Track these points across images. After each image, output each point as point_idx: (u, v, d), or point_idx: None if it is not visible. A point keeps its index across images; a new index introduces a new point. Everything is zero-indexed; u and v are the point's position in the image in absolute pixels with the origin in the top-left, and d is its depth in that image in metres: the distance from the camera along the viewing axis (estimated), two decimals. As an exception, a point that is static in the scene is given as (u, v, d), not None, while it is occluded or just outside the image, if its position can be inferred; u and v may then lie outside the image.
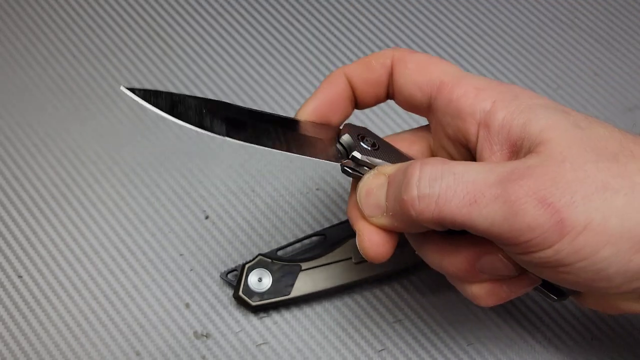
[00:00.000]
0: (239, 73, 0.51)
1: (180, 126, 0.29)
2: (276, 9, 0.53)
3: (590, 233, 0.23)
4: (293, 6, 0.53)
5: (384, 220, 0.28)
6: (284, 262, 0.41)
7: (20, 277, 0.43)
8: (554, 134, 0.25)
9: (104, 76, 0.50)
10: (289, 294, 0.40)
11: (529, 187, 0.24)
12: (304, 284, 0.40)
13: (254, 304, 0.40)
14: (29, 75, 0.50)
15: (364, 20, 0.53)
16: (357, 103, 0.34)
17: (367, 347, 0.41)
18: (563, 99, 0.49)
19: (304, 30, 0.53)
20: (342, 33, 0.52)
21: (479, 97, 0.28)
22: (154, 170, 0.47)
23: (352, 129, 0.32)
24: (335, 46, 0.52)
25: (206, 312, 0.42)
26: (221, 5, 0.53)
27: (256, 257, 0.41)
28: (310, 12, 0.53)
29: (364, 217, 0.29)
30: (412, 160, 0.28)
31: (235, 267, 0.42)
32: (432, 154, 0.33)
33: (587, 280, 0.25)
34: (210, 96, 0.49)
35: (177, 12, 0.53)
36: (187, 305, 0.42)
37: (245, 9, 0.53)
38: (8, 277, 0.43)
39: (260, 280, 0.41)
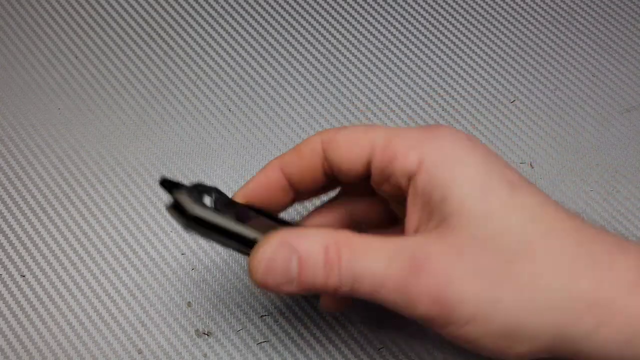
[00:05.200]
0: (239, 73, 0.51)
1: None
2: (276, 10, 0.54)
3: (472, 326, 0.27)
4: (293, 7, 0.54)
5: (290, 290, 0.29)
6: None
7: (23, 276, 0.43)
8: (463, 219, 0.28)
9: (106, 77, 0.51)
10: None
11: (425, 284, 0.27)
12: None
13: (191, 213, 0.29)
14: (31, 76, 0.51)
15: (362, 21, 0.53)
16: (297, 191, 0.35)
17: (367, 345, 0.41)
18: (561, 99, 0.50)
19: (304, 31, 0.53)
20: (342, 34, 0.53)
21: (408, 158, 0.30)
22: (156, 170, 0.47)
23: (198, 186, 0.31)
24: (335, 47, 0.52)
25: (207, 310, 0.42)
26: (222, 6, 0.54)
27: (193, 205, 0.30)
28: (310, 14, 0.54)
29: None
30: (325, 240, 0.29)
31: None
32: (349, 224, 0.36)
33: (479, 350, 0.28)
34: (212, 96, 0.50)
35: (178, 13, 0.53)
36: (189, 304, 0.42)
37: (246, 10, 0.54)
38: (11, 276, 0.43)
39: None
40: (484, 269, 0.27)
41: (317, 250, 0.28)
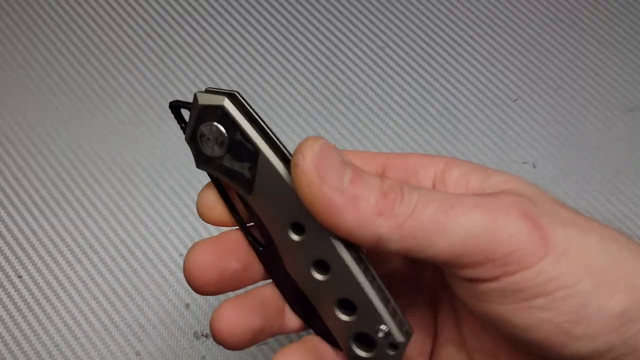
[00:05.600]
0: (239, 73, 0.50)
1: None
2: (276, 9, 0.53)
3: (571, 258, 0.22)
4: (293, 6, 0.53)
5: (338, 199, 0.22)
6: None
7: (20, 277, 0.43)
8: (513, 185, 0.25)
9: (104, 76, 0.50)
10: (250, 193, 0.26)
11: (509, 200, 0.23)
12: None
13: (197, 165, 0.27)
14: (29, 76, 0.50)
15: (364, 20, 0.53)
16: None
17: (367, 348, 0.41)
18: (564, 99, 0.49)
19: (304, 30, 0.52)
20: (343, 33, 0.52)
21: (431, 160, 0.27)
22: (154, 170, 0.46)
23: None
24: (336, 46, 0.52)
25: (206, 312, 0.42)
26: (221, 5, 0.53)
27: (228, 96, 0.25)
28: (310, 12, 0.53)
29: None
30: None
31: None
32: None
33: (565, 320, 0.22)
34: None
35: (177, 12, 0.53)
36: (187, 306, 0.42)
37: (245, 9, 0.53)
38: (8, 277, 0.43)
39: (211, 140, 0.26)
40: (556, 209, 0.24)
41: (372, 174, 0.23)
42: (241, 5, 0.53)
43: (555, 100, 0.49)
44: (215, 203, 0.27)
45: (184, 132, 0.25)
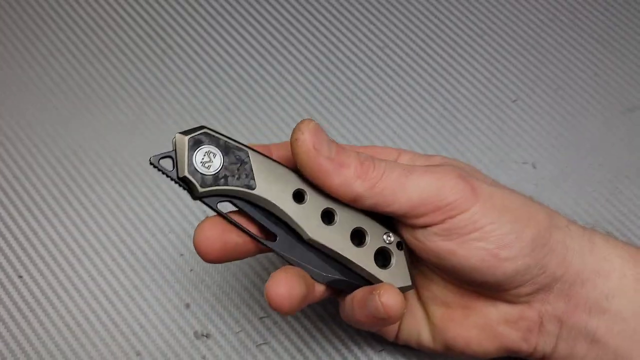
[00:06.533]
0: (239, 73, 0.50)
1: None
2: (276, 9, 0.53)
3: (494, 203, 0.31)
4: (293, 6, 0.53)
5: (328, 165, 0.29)
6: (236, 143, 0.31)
7: (20, 277, 0.43)
8: (449, 161, 0.34)
9: (104, 76, 0.50)
10: (254, 187, 0.30)
11: (448, 168, 0.32)
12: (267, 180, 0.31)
13: (202, 190, 0.30)
14: (29, 75, 0.50)
15: (364, 20, 0.53)
16: None
17: (367, 348, 0.41)
18: (563, 99, 0.49)
19: (304, 30, 0.52)
20: (342, 33, 0.52)
21: (388, 150, 0.35)
22: (154, 170, 0.46)
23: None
24: (336, 46, 0.52)
25: (206, 312, 0.42)
26: (221, 5, 0.53)
27: (199, 128, 0.30)
28: (310, 12, 0.53)
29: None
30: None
31: (168, 152, 0.30)
32: None
33: (494, 246, 0.30)
34: (210, 96, 0.49)
35: (177, 12, 0.53)
36: (188, 306, 0.42)
37: (245, 9, 0.53)
38: (8, 277, 0.43)
39: (208, 161, 0.30)
40: (481, 178, 0.33)
41: (350, 149, 0.31)
42: (241, 5, 0.53)
43: (555, 100, 0.49)
44: (215, 239, 0.31)
45: (171, 177, 0.30)
